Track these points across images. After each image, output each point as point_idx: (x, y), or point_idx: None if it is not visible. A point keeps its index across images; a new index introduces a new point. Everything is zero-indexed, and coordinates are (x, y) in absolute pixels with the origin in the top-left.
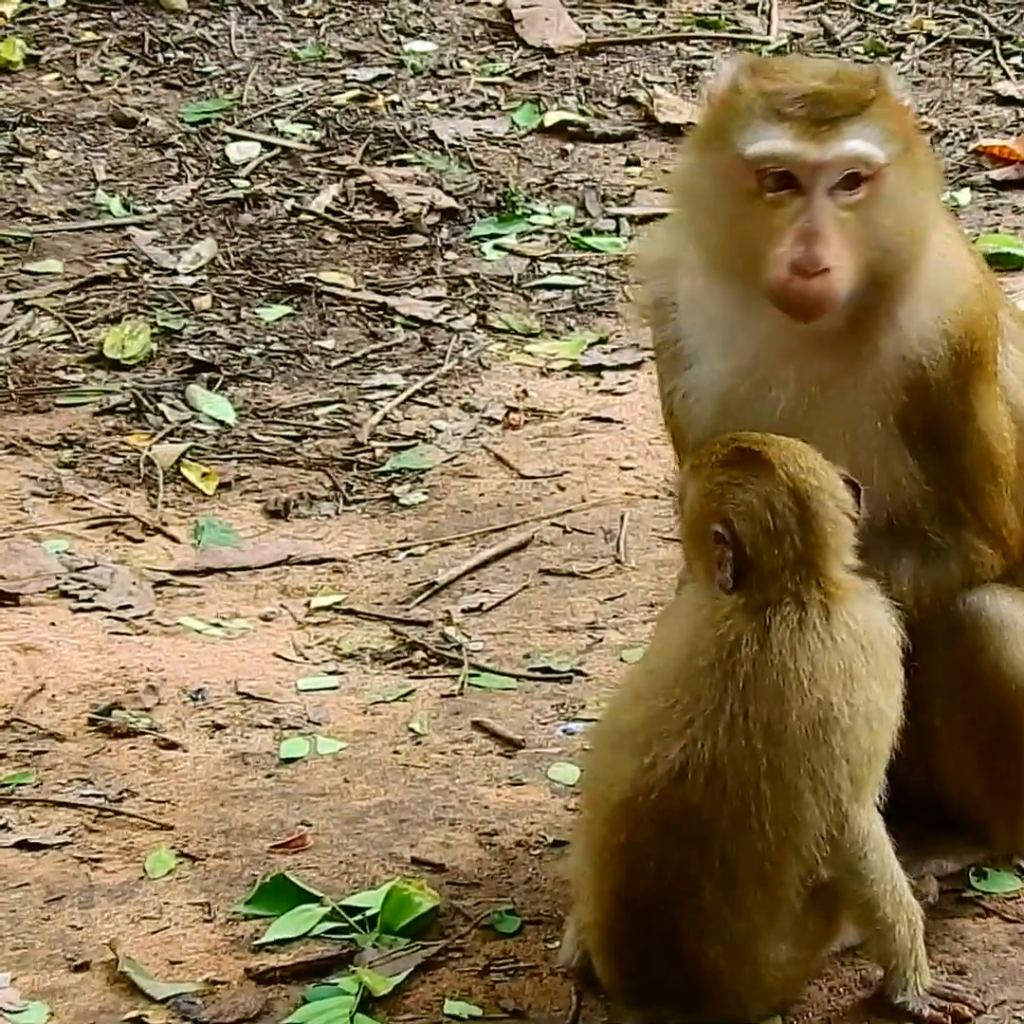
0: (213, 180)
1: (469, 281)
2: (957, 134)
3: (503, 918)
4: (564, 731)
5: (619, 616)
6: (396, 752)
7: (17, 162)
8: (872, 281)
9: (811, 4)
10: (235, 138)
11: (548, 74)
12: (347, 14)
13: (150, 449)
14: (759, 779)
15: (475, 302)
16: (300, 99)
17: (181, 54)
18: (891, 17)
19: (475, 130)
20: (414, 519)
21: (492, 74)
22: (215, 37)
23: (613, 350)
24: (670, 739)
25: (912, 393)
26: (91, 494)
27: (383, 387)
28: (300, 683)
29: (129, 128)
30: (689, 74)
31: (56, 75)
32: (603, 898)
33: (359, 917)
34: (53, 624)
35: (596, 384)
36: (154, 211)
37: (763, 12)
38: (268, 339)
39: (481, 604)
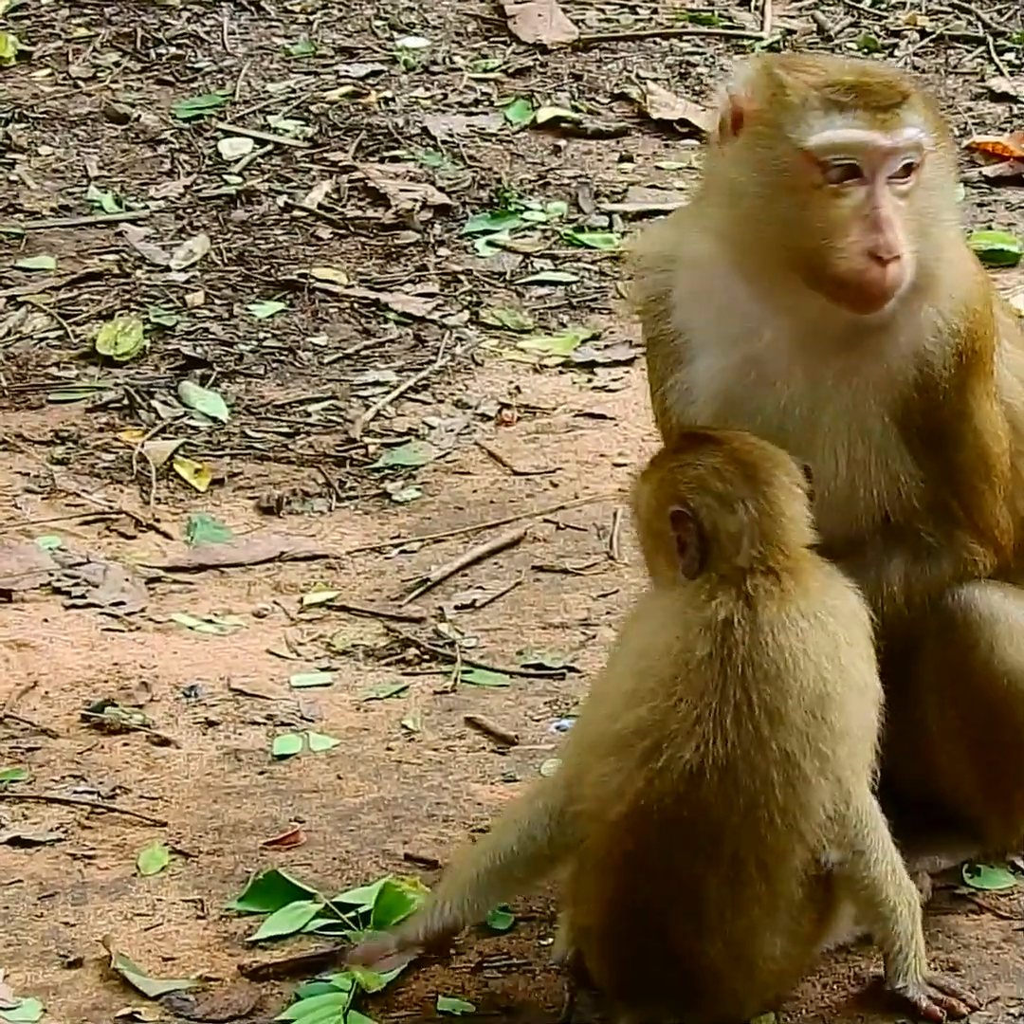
0: (206, 176)
1: (462, 277)
2: (951, 130)
3: (496, 915)
4: (557, 728)
5: (612, 612)
6: (389, 749)
7: (9, 158)
8: (915, 272)
9: (804, 0)
10: (228, 134)
11: (541, 70)
12: (339, 10)
13: (143, 446)
14: (769, 767)
15: (468, 298)
16: (293, 95)
17: (173, 50)
18: (885, 13)
19: (468, 126)
20: (407, 516)
21: (485, 70)
22: (208, 33)
23: (606, 346)
24: (681, 739)
25: (917, 390)
26: (84, 491)
27: (376, 383)
28: (293, 680)
29: (121, 124)
30: (682, 70)
31: (48, 71)
32: (603, 904)
33: (352, 914)
34: (46, 621)
35: (589, 380)
36: (147, 207)
37: (756, 8)
38: (261, 335)
39: (474, 601)
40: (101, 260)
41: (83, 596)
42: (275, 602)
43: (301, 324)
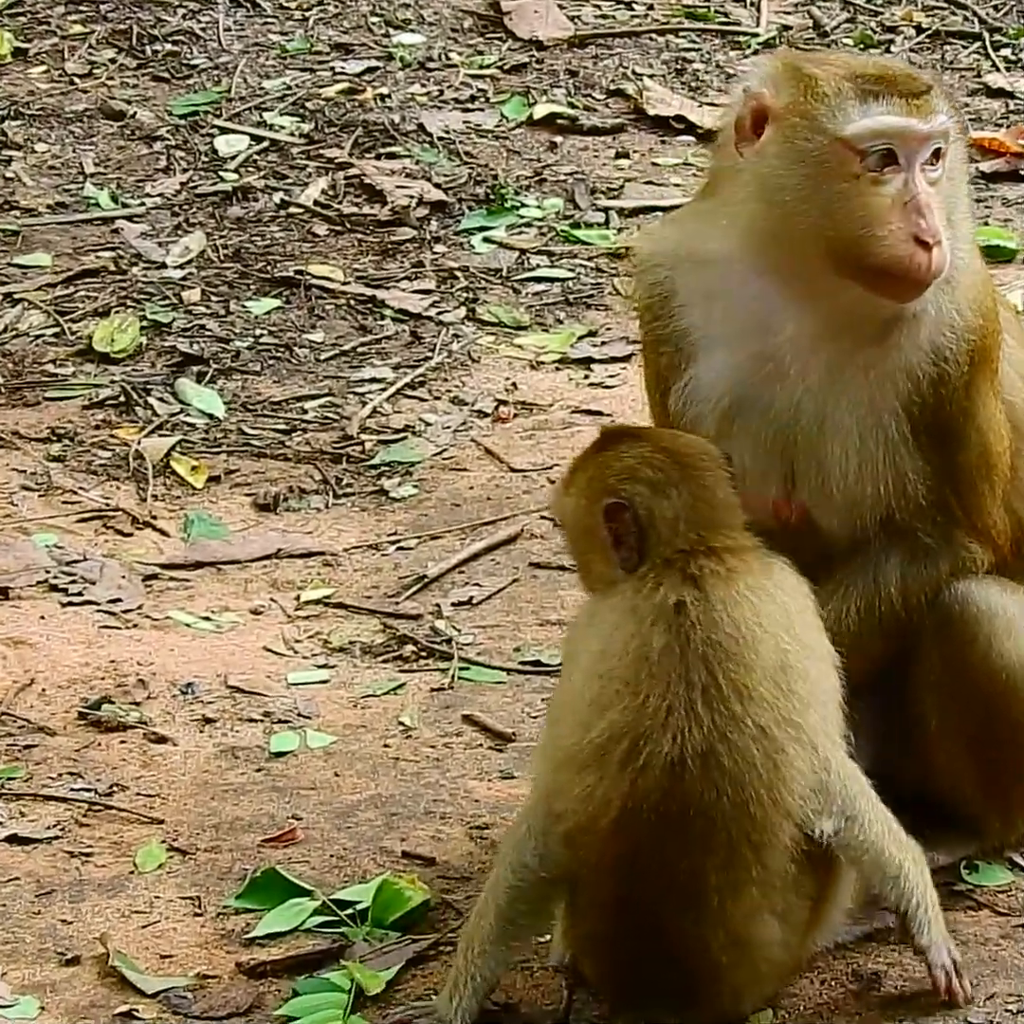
0: (202, 173)
1: (458, 274)
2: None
3: None
4: None
5: None
6: (386, 746)
7: (5, 155)
8: None
9: None
10: (224, 131)
11: (537, 67)
12: (335, 6)
13: (139, 443)
14: (748, 744)
15: (464, 295)
16: (288, 92)
17: (169, 47)
18: (880, 9)
19: (464, 123)
20: (404, 512)
21: (481, 67)
22: (203, 30)
23: (603, 343)
24: (656, 734)
25: (931, 385)
26: (80, 488)
27: (372, 380)
28: (290, 677)
29: (117, 121)
30: (678, 66)
31: (44, 68)
32: (599, 909)
33: (350, 911)
34: (43, 618)
35: (586, 377)
36: (143, 204)
37: (752, 4)
38: (257, 332)
39: (471, 598)
40: (97, 257)
41: (80, 593)
42: (272, 599)
43: (297, 321)
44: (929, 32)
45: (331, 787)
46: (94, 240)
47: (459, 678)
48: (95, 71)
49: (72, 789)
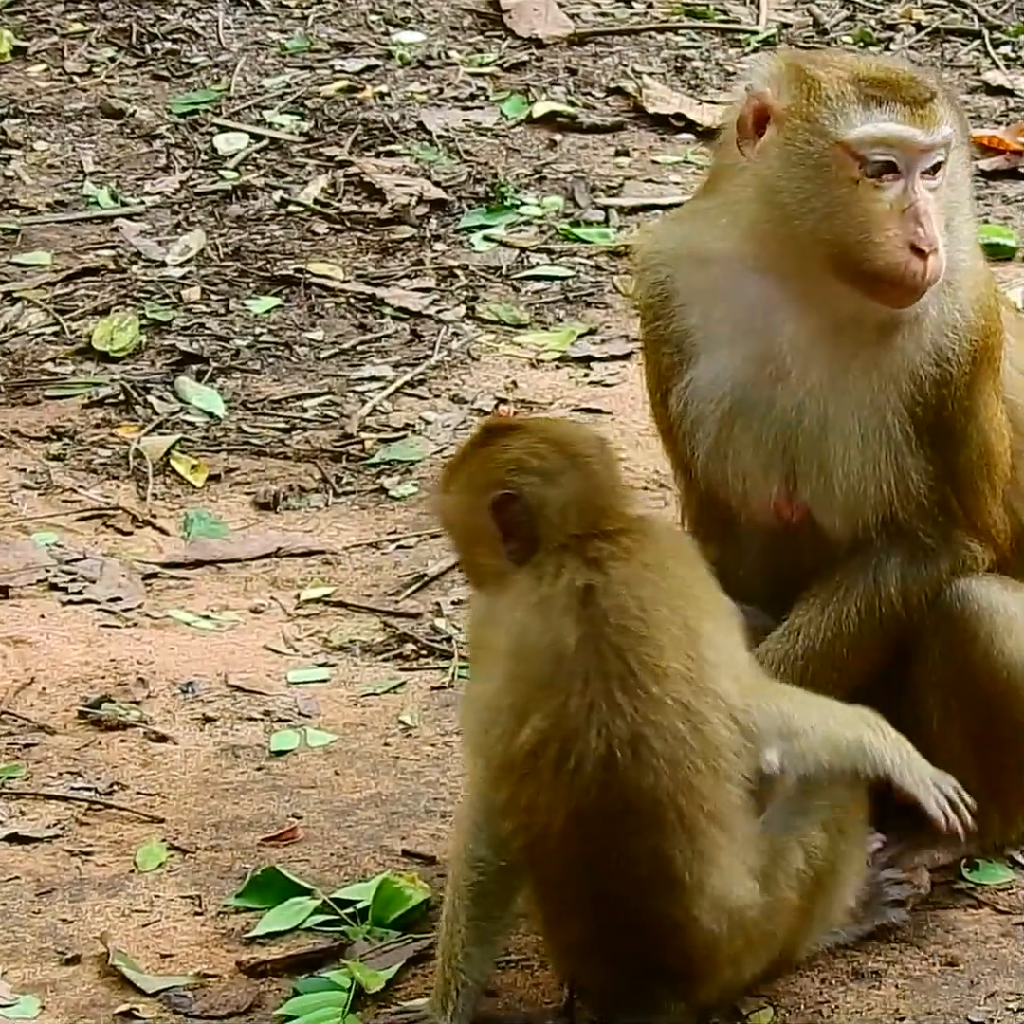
0: (201, 171)
1: (458, 272)
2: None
3: None
4: None
5: None
6: (387, 744)
7: (4, 154)
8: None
9: None
10: (223, 129)
11: (537, 65)
12: (335, 5)
13: (139, 441)
14: (673, 721)
15: (464, 293)
16: (288, 90)
17: (169, 45)
18: (880, 6)
19: (464, 121)
20: (404, 511)
21: (480, 65)
22: (203, 28)
23: (602, 341)
24: (583, 732)
25: (933, 385)
26: (80, 486)
27: (372, 379)
28: (290, 675)
29: (117, 119)
30: (678, 64)
31: (44, 66)
32: (575, 915)
33: (350, 910)
34: (43, 617)
35: (585, 375)
36: (142, 203)
37: (752, 2)
38: (257, 331)
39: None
40: (97, 256)
41: (80, 592)
42: (272, 598)
43: (297, 319)
44: (929, 30)
45: (331, 786)
46: (94, 239)
47: (459, 676)
48: (95, 69)
49: (72, 788)
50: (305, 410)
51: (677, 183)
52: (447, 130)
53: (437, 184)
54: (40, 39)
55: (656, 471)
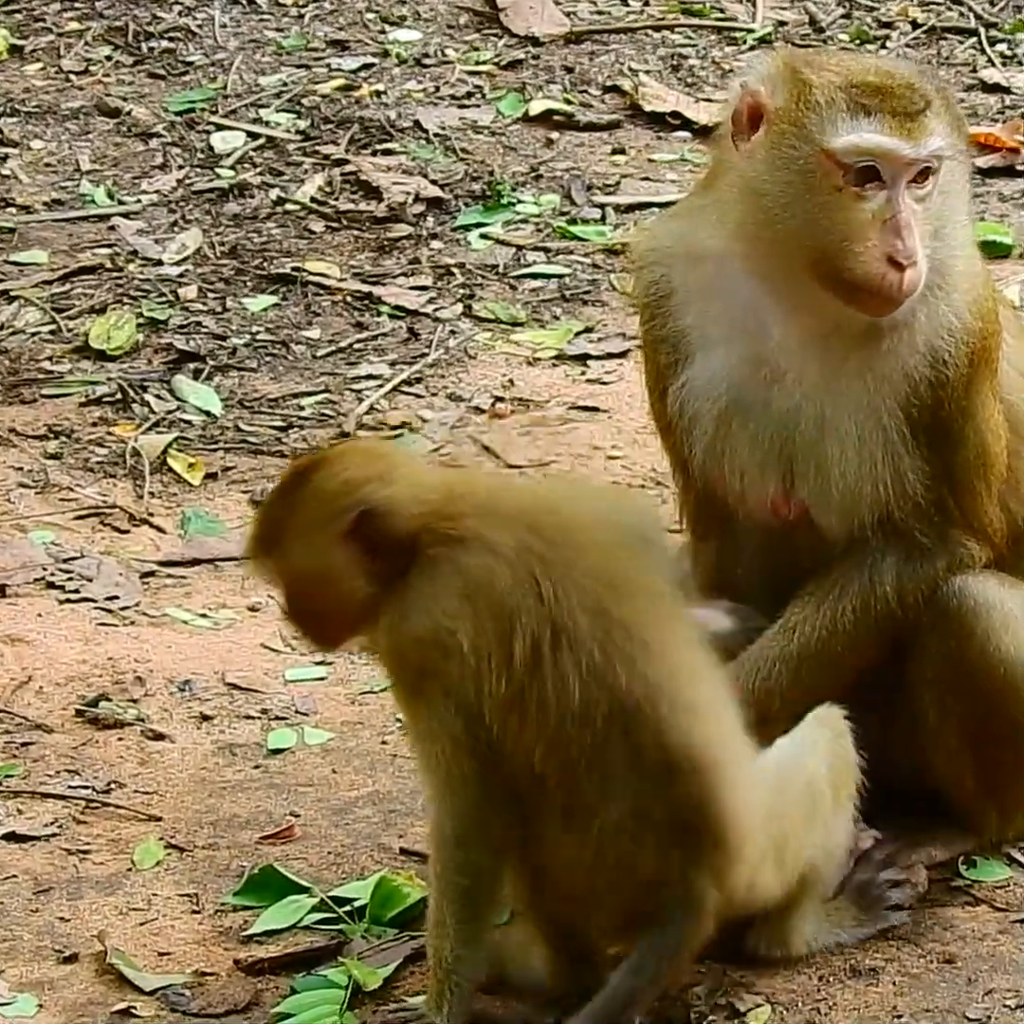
0: (198, 170)
1: (455, 270)
2: (961, 116)
3: None
4: None
5: None
6: (384, 742)
7: (1, 152)
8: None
9: None
10: (220, 128)
11: (533, 63)
12: (331, 3)
13: (136, 440)
14: (642, 619)
15: (461, 291)
16: (285, 88)
17: (165, 43)
18: (876, 4)
19: (460, 119)
20: None
21: (477, 63)
22: (199, 26)
23: (599, 339)
24: (569, 629)
25: (929, 387)
26: (77, 485)
27: (369, 377)
28: (287, 674)
29: (114, 118)
30: (674, 63)
31: (40, 65)
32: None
33: (348, 908)
34: (40, 615)
35: (582, 373)
36: (139, 201)
37: (748, 0)
38: (254, 329)
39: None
40: (94, 254)
41: (77, 591)
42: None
43: (294, 318)
44: (925, 27)
45: (329, 784)
46: (90, 237)
47: None
48: (91, 68)
49: (70, 786)
50: (302, 408)
51: (674, 181)
52: (444, 128)
53: (434, 182)
54: (36, 37)
55: (653, 469)
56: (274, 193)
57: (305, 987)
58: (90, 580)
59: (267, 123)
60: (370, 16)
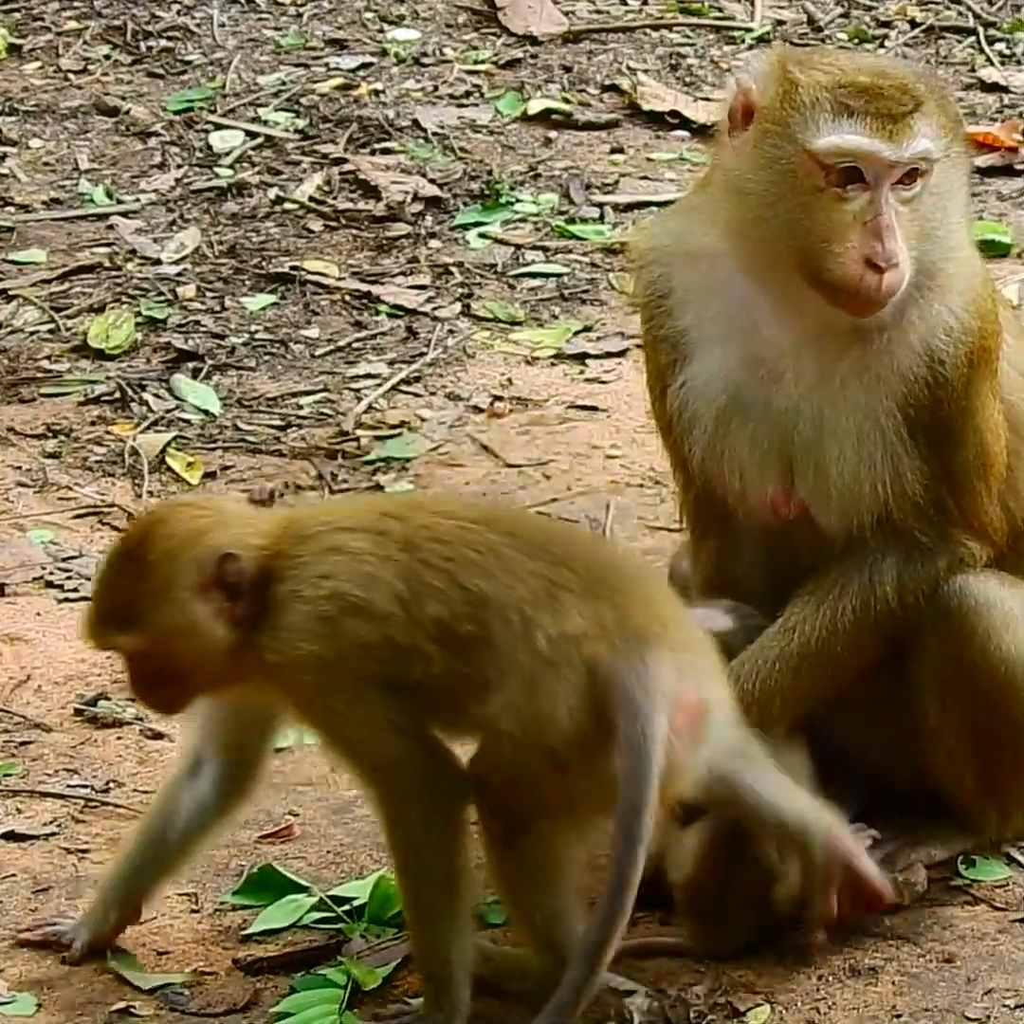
0: (196, 169)
1: (453, 269)
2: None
3: (491, 908)
4: None
5: None
6: None
7: (0, 151)
8: (917, 274)
9: None
10: (218, 127)
11: (532, 62)
12: (330, 2)
13: (135, 439)
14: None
15: (459, 291)
16: (283, 87)
17: (164, 42)
18: (875, 3)
19: (459, 118)
20: None
21: (475, 62)
22: (198, 25)
23: (598, 338)
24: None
25: (928, 387)
26: (76, 484)
27: (368, 376)
28: None
29: (112, 117)
30: (672, 62)
31: (39, 64)
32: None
33: (347, 907)
34: (38, 614)
35: (581, 372)
36: (138, 200)
37: None
38: (253, 328)
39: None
40: (92, 253)
41: (76, 590)
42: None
43: (293, 317)
44: (923, 27)
45: (328, 783)
46: (89, 236)
47: None
48: (90, 67)
49: (69, 786)
50: (301, 407)
51: (672, 180)
52: (442, 127)
53: (432, 181)
54: (35, 36)
55: (652, 468)
56: (273, 192)
57: (304, 986)
58: (89, 579)
59: (266, 122)
60: (369, 15)
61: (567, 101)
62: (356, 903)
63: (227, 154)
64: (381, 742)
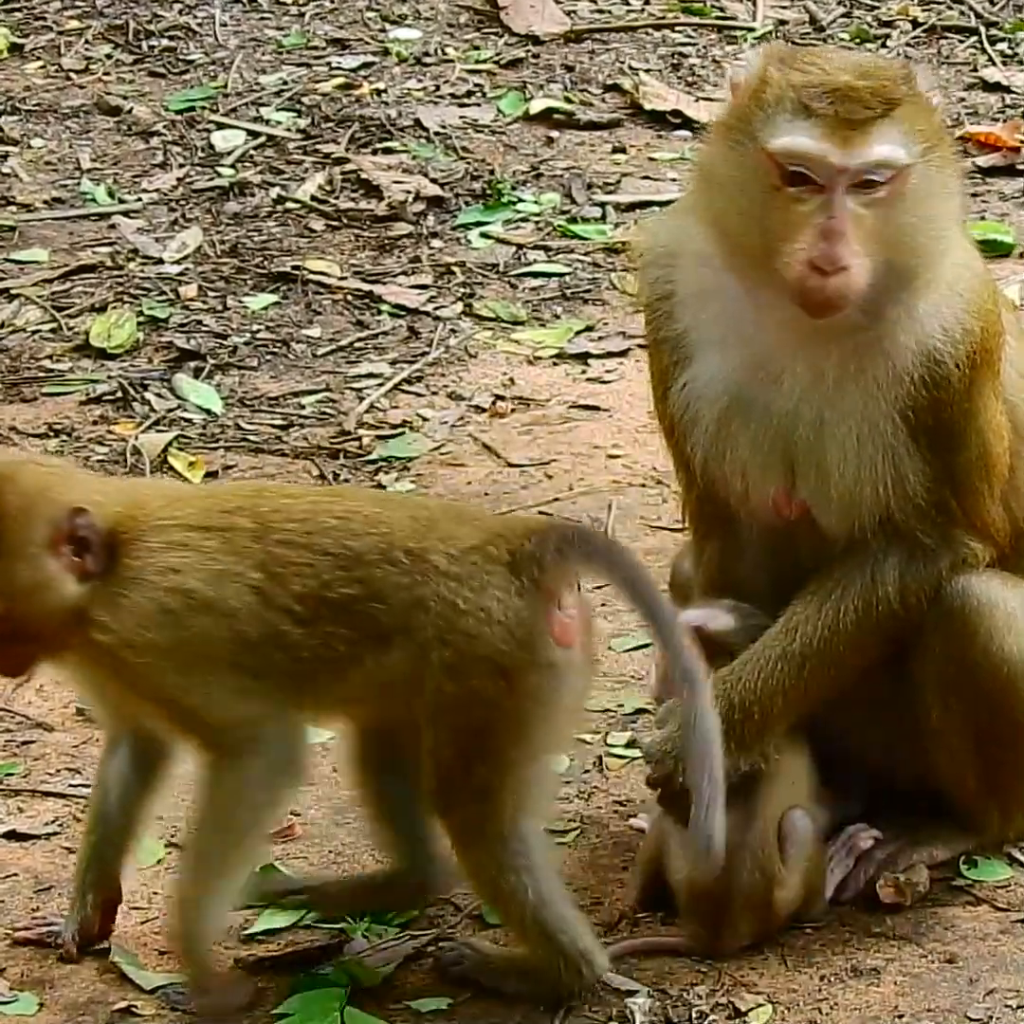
0: (198, 168)
1: (455, 269)
2: (943, 121)
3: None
4: None
5: (607, 604)
6: None
7: (2, 151)
8: (891, 277)
9: None
10: (220, 126)
11: (533, 61)
12: (331, 1)
13: (137, 438)
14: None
15: (461, 290)
16: (285, 87)
17: (166, 42)
18: (877, 3)
19: (461, 118)
20: None
21: (477, 62)
22: (200, 25)
23: (600, 338)
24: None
25: (926, 388)
26: None
27: (369, 375)
28: None
29: (114, 116)
30: (674, 61)
31: (40, 63)
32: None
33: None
34: None
35: (583, 372)
36: (139, 200)
37: None
38: (254, 328)
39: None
40: (94, 252)
41: None
42: None
43: (294, 316)
44: (925, 26)
45: (329, 783)
46: (91, 236)
47: None
48: (91, 66)
49: (70, 785)
50: (302, 407)
51: (674, 180)
52: (444, 127)
53: (434, 181)
54: (37, 36)
55: (654, 468)
56: (274, 192)
57: (305, 986)
58: None
59: (267, 122)
60: (370, 15)
61: (569, 101)
62: None
63: (229, 153)
64: (219, 705)
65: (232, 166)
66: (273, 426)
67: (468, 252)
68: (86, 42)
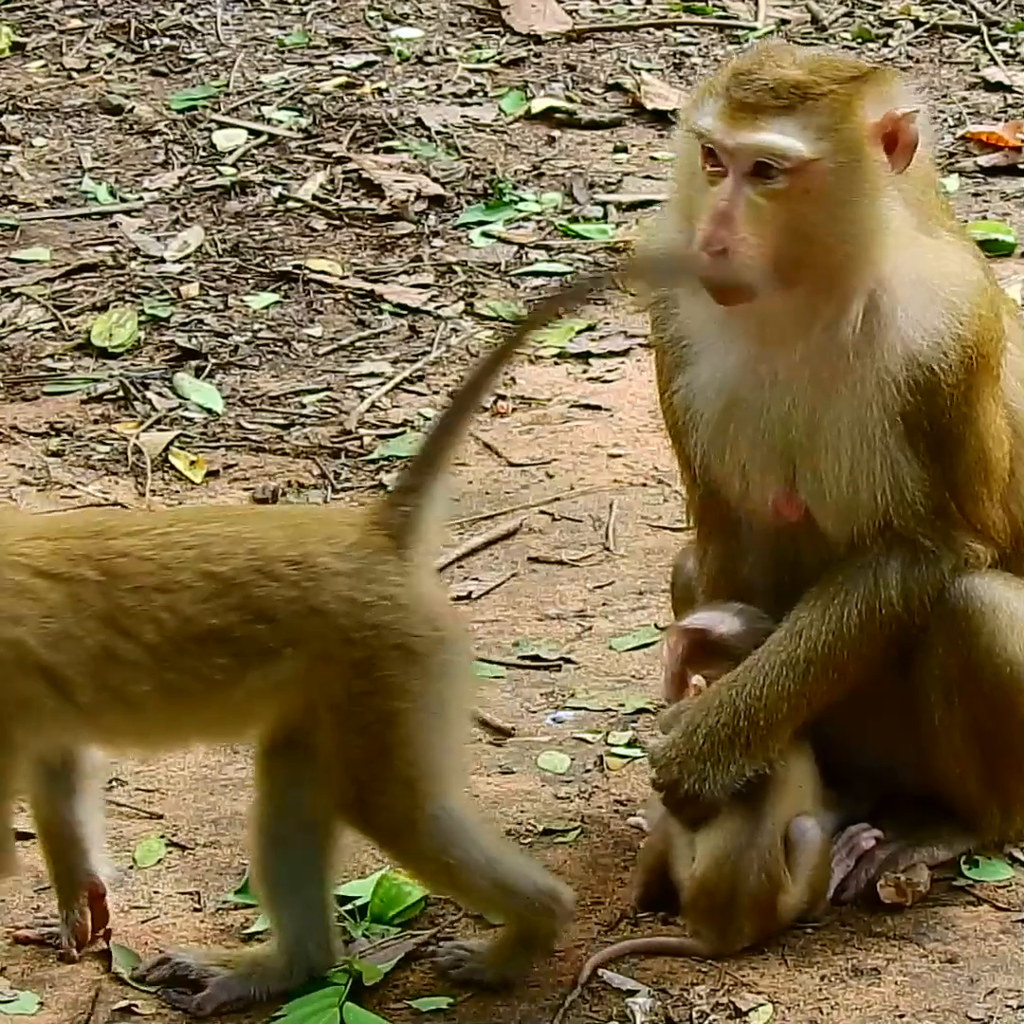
0: (200, 167)
1: (457, 268)
2: (945, 120)
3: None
4: (553, 719)
5: (608, 604)
6: None
7: (3, 150)
8: (811, 276)
9: None
10: (222, 125)
11: (535, 61)
12: (333, 1)
13: (138, 437)
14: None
15: (463, 289)
16: (287, 86)
17: (167, 41)
18: (878, 2)
19: (462, 117)
20: None
21: (479, 61)
22: (201, 24)
23: (601, 337)
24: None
25: (919, 394)
26: (79, 482)
27: (371, 375)
28: None
29: (115, 115)
30: (676, 60)
31: (42, 62)
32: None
33: (349, 906)
34: None
35: (584, 371)
36: (141, 199)
37: None
38: (256, 327)
39: (470, 592)
40: (96, 251)
41: None
42: None
43: (296, 315)
44: (927, 26)
45: None
46: (92, 235)
47: None
48: (93, 65)
49: None
50: (304, 406)
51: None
52: (445, 126)
53: (435, 180)
54: (38, 35)
55: (655, 467)
56: (276, 191)
57: (306, 985)
58: None
59: (269, 121)
60: (372, 14)
61: (570, 100)
62: (358, 902)
63: (230, 152)
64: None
65: (233, 165)
66: (274, 425)
67: (469, 251)
68: (88, 41)
